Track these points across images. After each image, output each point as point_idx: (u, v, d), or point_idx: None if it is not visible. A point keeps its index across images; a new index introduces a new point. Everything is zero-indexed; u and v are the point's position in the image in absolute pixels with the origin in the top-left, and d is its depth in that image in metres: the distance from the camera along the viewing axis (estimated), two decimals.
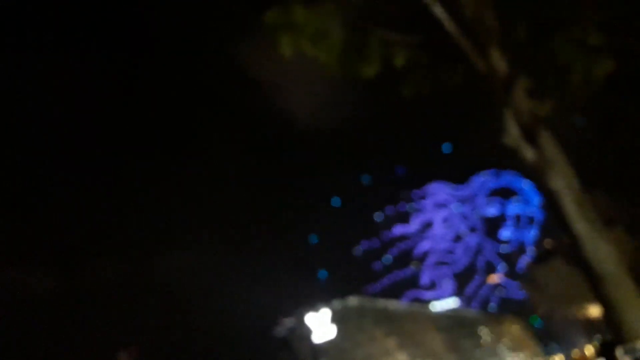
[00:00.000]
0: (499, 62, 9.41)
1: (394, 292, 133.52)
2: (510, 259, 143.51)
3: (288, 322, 79.45)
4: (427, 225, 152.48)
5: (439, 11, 9.40)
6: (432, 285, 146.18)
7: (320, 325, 63.62)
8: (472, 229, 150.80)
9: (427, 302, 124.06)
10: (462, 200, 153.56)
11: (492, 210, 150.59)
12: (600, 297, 8.99)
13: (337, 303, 65.58)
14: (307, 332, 65.21)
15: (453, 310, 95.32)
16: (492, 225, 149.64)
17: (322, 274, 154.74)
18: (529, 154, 9.08)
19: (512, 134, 9.09)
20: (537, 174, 9.06)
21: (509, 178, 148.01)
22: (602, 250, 8.80)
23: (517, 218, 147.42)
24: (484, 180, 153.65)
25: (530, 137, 9.22)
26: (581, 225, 8.88)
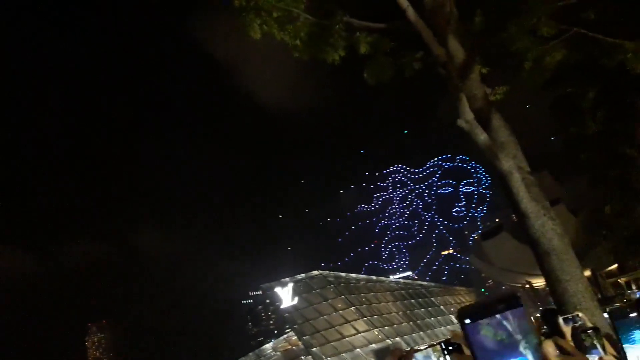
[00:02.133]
0: (457, 49, 9.41)
1: (356, 265, 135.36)
2: (461, 235, 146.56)
3: (255, 294, 79.65)
4: (387, 203, 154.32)
5: (402, 0, 9.33)
6: (390, 259, 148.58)
7: (285, 296, 63.93)
8: (428, 207, 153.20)
9: (386, 274, 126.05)
10: (419, 181, 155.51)
11: (445, 190, 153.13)
12: (546, 270, 9.20)
13: (301, 276, 65.86)
14: (273, 303, 65.36)
15: (409, 282, 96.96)
16: (445, 204, 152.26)
17: (288, 249, 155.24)
18: (481, 136, 9.15)
19: (467, 117, 9.14)
20: (489, 156, 9.15)
21: (462, 160, 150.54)
22: (547, 227, 8.99)
23: (469, 197, 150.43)
24: (439, 162, 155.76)
25: (483, 120, 9.30)
26: (529, 203, 9.04)
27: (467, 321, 2.06)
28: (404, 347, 62.43)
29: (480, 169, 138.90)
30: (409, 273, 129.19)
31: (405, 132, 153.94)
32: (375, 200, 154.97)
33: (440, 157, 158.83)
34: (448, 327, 72.64)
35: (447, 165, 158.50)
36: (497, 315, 2.05)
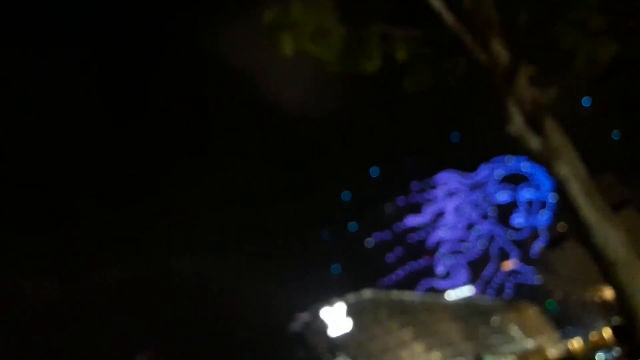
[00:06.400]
0: (500, 52, 9.36)
1: (409, 283, 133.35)
2: (523, 245, 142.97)
3: (303, 317, 79.69)
4: (439, 214, 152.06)
5: (436, 4, 9.36)
6: (446, 275, 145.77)
7: (336, 319, 63.78)
8: (484, 217, 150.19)
9: (442, 291, 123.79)
10: (473, 188, 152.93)
11: (503, 197, 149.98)
12: (613, 283, 8.95)
13: (351, 297, 65.65)
14: (322, 326, 65.29)
15: (468, 299, 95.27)
16: (504, 212, 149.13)
17: (336, 268, 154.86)
18: (534, 142, 9.04)
19: (517, 123, 9.05)
20: (543, 163, 9.02)
21: (518, 164, 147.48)
22: (611, 236, 8.75)
23: (529, 203, 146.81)
24: (493, 167, 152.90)
25: (535, 125, 9.18)
26: (589, 212, 8.84)
27: None
28: None
29: (539, 173, 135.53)
30: (468, 289, 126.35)
31: (454, 137, 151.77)
32: (425, 212, 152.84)
33: (494, 162, 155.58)
34: (513, 345, 70.88)
35: (502, 170, 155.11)
36: None
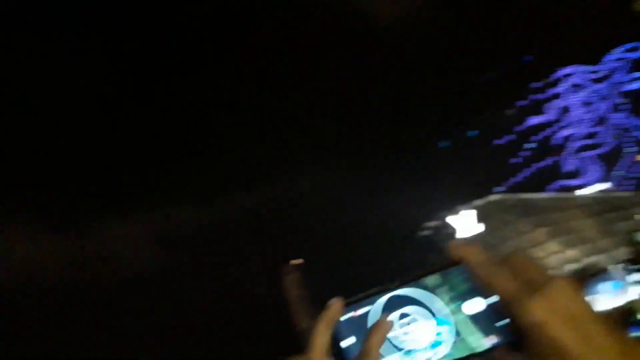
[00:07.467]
0: None
1: (537, 184, 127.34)
2: None
3: (432, 224, 79.41)
4: (564, 110, 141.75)
5: None
6: (577, 173, 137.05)
7: (465, 224, 62.73)
8: (615, 108, 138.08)
9: (574, 189, 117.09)
10: (600, 79, 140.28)
11: (634, 85, 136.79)
12: None
13: (479, 201, 63.85)
14: (451, 231, 64.62)
15: (603, 194, 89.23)
16: (637, 101, 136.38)
17: (460, 175, 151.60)
18: None
19: None
20: None
21: None
22: None
23: None
24: (621, 54, 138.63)
25: None
26: None
27: None
28: (604, 264, 58.04)
29: None
30: (604, 185, 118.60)
31: (579, 23, 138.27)
32: (548, 110, 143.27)
33: (621, 48, 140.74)
34: None
35: (631, 56, 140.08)
36: None
